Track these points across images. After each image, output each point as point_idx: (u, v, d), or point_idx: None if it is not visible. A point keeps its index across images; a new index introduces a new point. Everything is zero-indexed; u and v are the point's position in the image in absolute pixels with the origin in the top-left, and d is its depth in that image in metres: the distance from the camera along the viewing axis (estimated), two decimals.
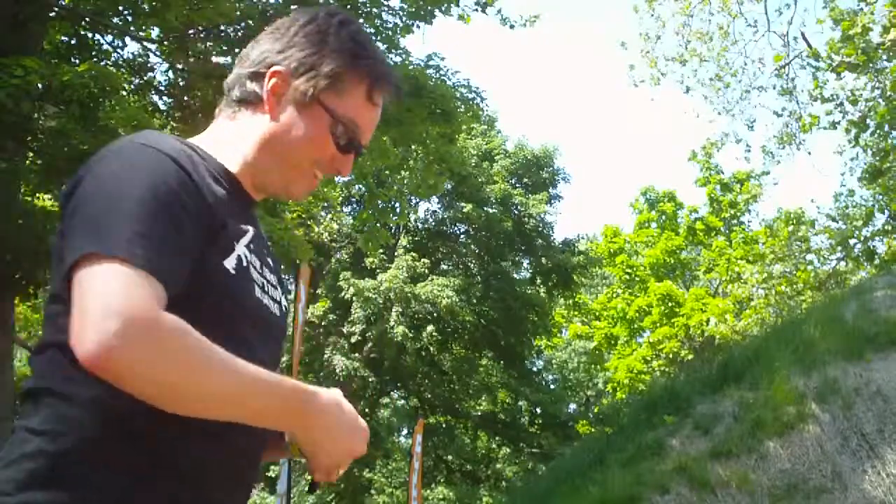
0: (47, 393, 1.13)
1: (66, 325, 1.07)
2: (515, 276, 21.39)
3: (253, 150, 1.31)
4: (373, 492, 21.41)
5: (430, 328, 18.61)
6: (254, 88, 1.32)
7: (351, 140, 1.34)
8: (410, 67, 9.53)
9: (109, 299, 1.00)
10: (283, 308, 1.37)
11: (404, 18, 9.61)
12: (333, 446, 1.22)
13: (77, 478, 1.09)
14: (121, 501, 1.11)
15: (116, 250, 1.03)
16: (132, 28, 8.95)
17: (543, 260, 20.87)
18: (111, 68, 8.41)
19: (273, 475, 16.46)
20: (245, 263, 1.24)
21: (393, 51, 9.74)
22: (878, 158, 14.33)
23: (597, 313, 24.00)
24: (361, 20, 9.54)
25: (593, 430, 18.03)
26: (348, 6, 9.29)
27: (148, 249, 1.05)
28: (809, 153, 35.66)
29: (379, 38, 9.66)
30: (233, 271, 1.21)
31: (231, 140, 1.32)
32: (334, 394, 1.22)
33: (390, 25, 9.65)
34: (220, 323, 1.14)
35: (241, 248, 1.24)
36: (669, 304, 20.11)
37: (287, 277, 20.20)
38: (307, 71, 1.30)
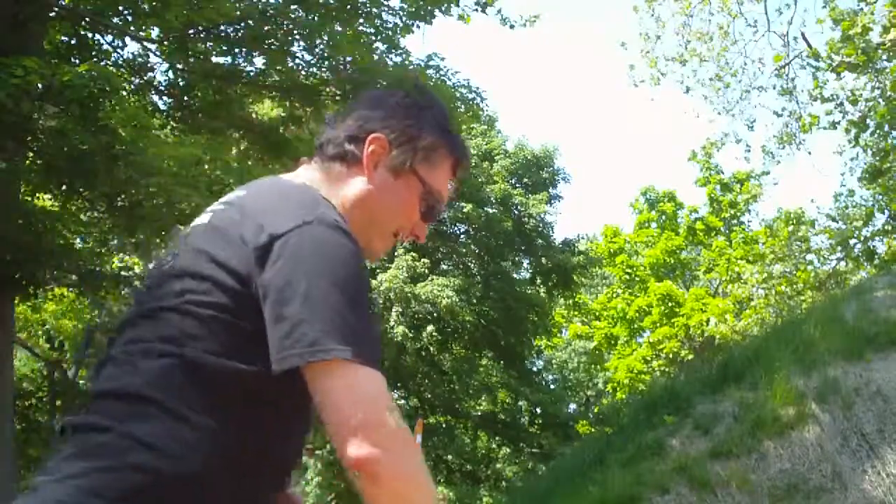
0: (157, 405, 1.13)
1: (202, 347, 1.15)
2: (515, 276, 21.39)
3: (349, 206, 1.38)
4: None
5: (430, 328, 18.60)
6: (352, 150, 1.40)
7: (434, 209, 1.45)
8: (411, 67, 9.52)
9: (385, 416, 1.11)
10: None
11: (404, 18, 9.61)
12: None
13: (180, 500, 1.11)
14: None
15: (365, 355, 1.15)
16: (132, 28, 8.95)
17: (543, 260, 20.87)
18: (111, 68, 8.42)
19: None
20: None
21: (393, 51, 9.73)
22: (878, 158, 14.32)
23: (597, 313, 24.00)
24: (361, 20, 9.55)
25: (593, 430, 18.03)
26: (348, 6, 9.29)
27: (375, 351, 1.18)
28: (809, 153, 35.71)
29: (379, 38, 9.66)
30: None
31: (329, 195, 1.37)
32: None
33: (390, 25, 9.65)
34: (293, 417, 1.29)
35: None
36: (669, 304, 20.12)
37: None
38: (406, 142, 1.41)
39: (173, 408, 1.13)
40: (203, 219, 1.31)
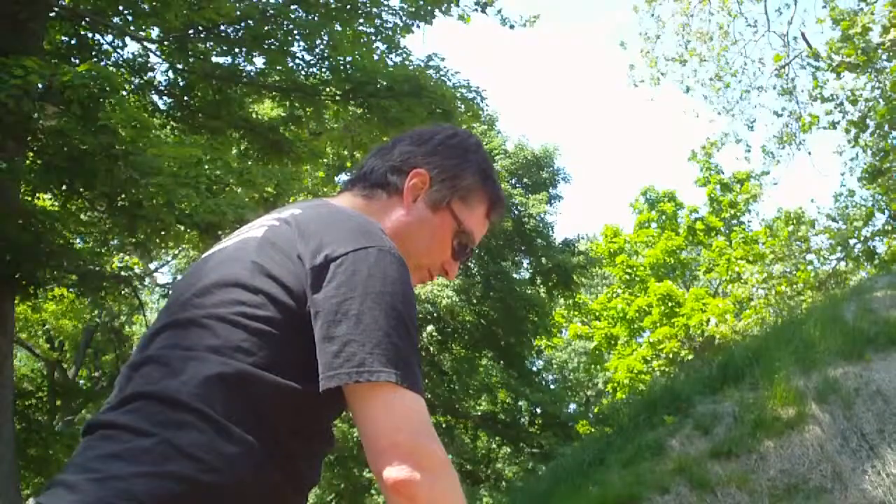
0: (200, 415, 1.13)
1: (251, 360, 1.16)
2: (515, 276, 21.38)
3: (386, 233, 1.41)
4: (373, 492, 21.40)
5: (430, 328, 18.61)
6: (394, 181, 1.45)
7: (465, 248, 1.51)
8: (411, 68, 9.52)
9: (426, 441, 1.14)
10: None
11: (404, 18, 9.61)
12: None
13: None
14: None
15: (411, 379, 1.17)
16: (132, 28, 8.96)
17: (543, 260, 20.86)
18: (111, 68, 8.43)
19: None
20: None
21: (393, 51, 9.74)
22: (877, 158, 14.32)
23: (597, 313, 23.98)
24: (361, 20, 9.55)
25: (593, 430, 18.02)
26: (348, 6, 9.30)
27: (420, 377, 1.21)
28: (809, 153, 35.85)
29: (379, 38, 9.67)
30: None
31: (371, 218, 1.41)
32: None
33: (390, 25, 9.65)
34: (328, 427, 1.31)
35: None
36: (669, 304, 20.10)
37: None
38: (447, 179, 1.46)
39: (216, 419, 1.12)
40: (256, 232, 1.32)
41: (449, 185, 1.46)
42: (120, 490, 1.07)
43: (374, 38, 9.67)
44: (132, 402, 1.17)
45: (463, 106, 9.95)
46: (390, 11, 9.63)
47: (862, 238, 15.34)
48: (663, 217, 23.96)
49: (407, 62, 9.72)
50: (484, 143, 21.51)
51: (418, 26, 9.71)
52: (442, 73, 9.90)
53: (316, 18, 9.20)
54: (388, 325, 1.16)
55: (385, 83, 8.95)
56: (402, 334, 1.18)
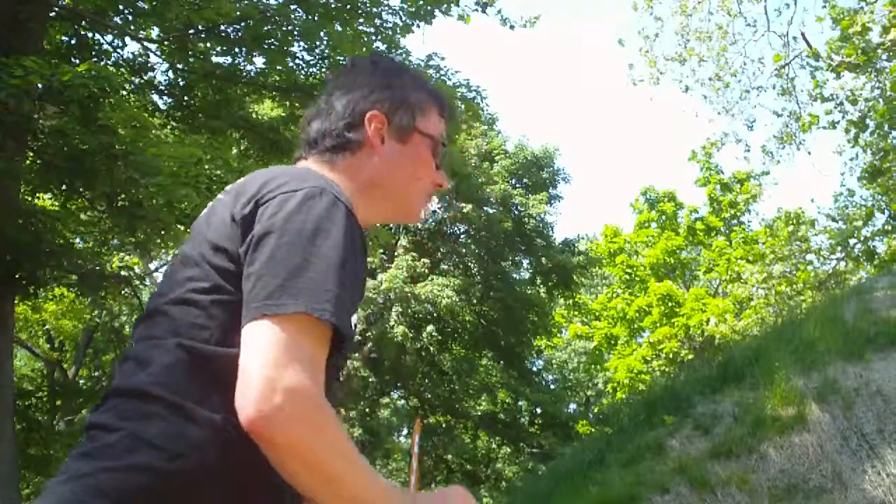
0: (163, 402, 1.12)
1: (205, 336, 1.14)
2: (515, 276, 21.38)
3: (363, 190, 1.39)
4: None
5: (430, 328, 18.60)
6: (353, 136, 1.42)
7: (444, 155, 1.50)
8: (411, 68, 9.52)
9: (282, 372, 1.05)
10: None
11: (404, 18, 9.60)
12: None
13: (190, 501, 1.10)
14: None
15: (317, 311, 1.09)
16: (132, 28, 8.95)
17: (543, 260, 20.86)
18: (111, 68, 8.41)
19: None
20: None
21: (393, 51, 9.73)
22: (877, 158, 14.31)
23: (597, 313, 23.97)
24: (361, 20, 9.54)
25: (593, 430, 18.02)
26: (348, 6, 9.29)
27: (343, 310, 1.12)
28: (809, 153, 35.81)
29: (379, 37, 9.66)
30: (354, 324, 1.27)
31: (342, 185, 1.36)
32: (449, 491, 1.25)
33: (390, 25, 9.64)
34: (330, 368, 1.19)
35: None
36: (669, 304, 20.09)
37: None
38: (399, 107, 1.45)
39: (180, 405, 1.12)
40: (206, 209, 1.34)
41: (404, 111, 1.44)
42: (87, 486, 1.08)
43: (374, 38, 9.66)
44: (109, 401, 1.18)
45: (463, 105, 9.95)
46: (390, 11, 9.62)
47: (862, 238, 15.33)
48: (663, 217, 23.95)
49: (407, 62, 9.72)
50: (484, 143, 21.45)
51: (418, 26, 9.69)
52: (442, 72, 9.89)
53: (316, 18, 9.19)
54: (302, 259, 1.12)
55: None
56: (321, 269, 1.12)
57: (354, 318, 1.26)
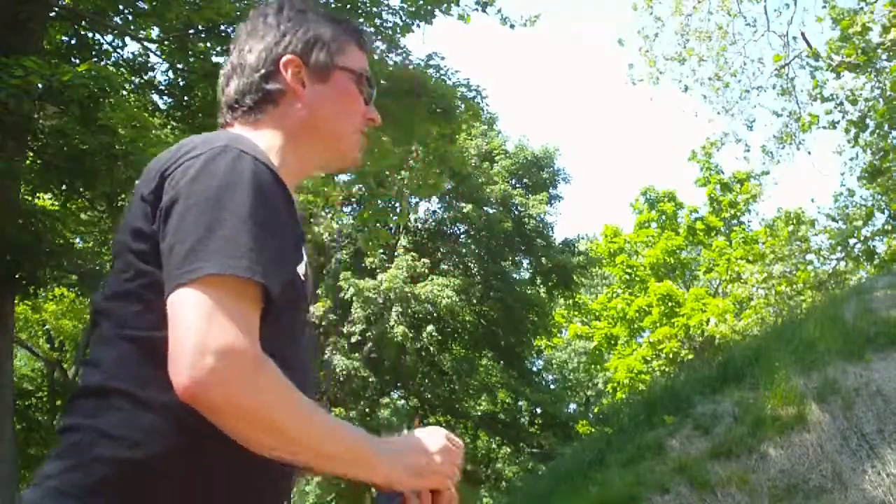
0: (118, 394, 1.11)
1: (144, 323, 1.11)
2: (515, 276, 21.39)
3: (294, 140, 1.34)
4: (373, 491, 21.39)
5: (430, 328, 18.60)
6: (272, 87, 1.35)
7: (371, 88, 1.43)
8: (411, 67, 9.52)
9: (210, 334, 1.01)
10: None
11: (404, 18, 9.60)
12: (418, 472, 1.22)
13: (154, 490, 1.08)
14: None
15: (232, 269, 1.04)
16: (132, 28, 8.95)
17: (543, 260, 20.86)
18: (111, 68, 8.41)
19: None
20: (307, 269, 1.27)
21: (393, 50, 9.73)
22: (877, 158, 14.32)
23: (597, 313, 23.97)
24: (361, 20, 9.54)
25: (593, 430, 18.02)
26: (348, 6, 9.28)
27: (262, 264, 1.06)
28: (809, 153, 35.75)
29: (379, 37, 9.65)
30: (303, 277, 1.23)
31: (270, 142, 1.32)
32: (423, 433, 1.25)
33: (390, 25, 9.64)
34: (294, 325, 1.15)
35: (305, 253, 1.27)
36: (669, 304, 20.09)
37: None
38: (314, 45, 1.37)
39: (134, 393, 1.10)
40: None
41: (318, 49, 1.37)
42: (49, 489, 1.08)
43: (374, 37, 9.66)
44: (72, 404, 1.18)
45: (463, 105, 9.94)
46: (390, 11, 9.62)
47: (862, 238, 15.34)
48: (663, 217, 23.95)
49: (407, 61, 9.72)
50: (484, 143, 21.44)
51: (418, 26, 9.70)
52: (442, 72, 9.89)
53: None
54: (210, 220, 1.06)
55: (384, 83, 8.95)
56: (232, 225, 1.06)
57: (302, 268, 1.22)
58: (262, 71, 1.35)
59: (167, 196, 1.12)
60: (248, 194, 1.09)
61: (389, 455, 1.20)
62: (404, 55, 9.81)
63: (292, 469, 1.25)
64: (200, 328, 1.01)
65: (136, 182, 1.24)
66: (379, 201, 13.57)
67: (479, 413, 22.22)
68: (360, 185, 17.63)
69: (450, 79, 9.89)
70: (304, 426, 1.07)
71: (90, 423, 1.11)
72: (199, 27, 8.63)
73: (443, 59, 10.01)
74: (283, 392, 1.05)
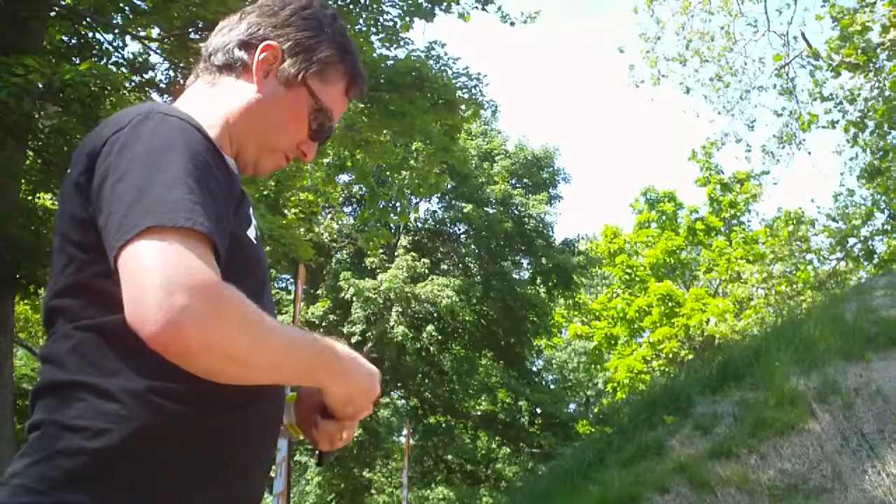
0: (77, 386, 1.09)
1: (96, 311, 1.08)
2: (515, 276, 21.40)
3: (235, 116, 1.30)
4: (373, 491, 21.39)
5: (430, 328, 18.61)
6: (242, 56, 1.32)
7: (324, 128, 1.37)
8: (413, 58, 9.51)
9: (171, 273, 0.96)
10: None
11: (406, 18, 9.61)
12: (356, 394, 1.25)
13: (124, 477, 1.05)
14: (174, 499, 1.09)
15: (171, 221, 0.99)
16: (133, 27, 8.95)
17: (543, 260, 20.87)
18: (112, 67, 8.42)
19: (272, 474, 16.43)
20: (258, 233, 1.25)
21: (394, 43, 9.73)
22: (877, 158, 14.33)
23: (597, 313, 23.97)
24: (361, 20, 9.55)
25: (593, 430, 18.02)
26: (349, 4, 9.29)
27: (202, 216, 1.02)
28: (809, 153, 35.77)
29: (379, 37, 9.67)
30: (255, 241, 1.21)
31: (213, 106, 1.30)
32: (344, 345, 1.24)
33: (390, 24, 9.65)
34: (248, 292, 1.11)
35: (254, 217, 1.25)
36: (669, 304, 20.09)
37: (287, 277, 20.14)
38: (301, 52, 1.32)
39: (93, 383, 1.08)
40: None
41: (304, 58, 1.32)
42: (15, 487, 1.06)
43: (374, 37, 9.67)
44: (35, 403, 1.17)
45: (466, 95, 9.95)
46: (391, 4, 9.63)
47: (862, 237, 15.35)
48: (663, 217, 23.96)
49: (407, 51, 9.73)
50: (484, 143, 21.49)
51: (421, 20, 9.71)
52: (443, 61, 9.90)
53: None
54: (142, 182, 1.03)
55: (386, 77, 8.95)
56: (165, 181, 1.03)
57: (252, 231, 1.20)
58: (244, 38, 1.33)
59: (98, 174, 1.09)
60: (177, 153, 1.06)
61: (344, 374, 1.22)
62: (406, 45, 9.79)
63: (272, 437, 1.25)
64: (160, 269, 0.96)
65: (67, 171, 1.21)
66: (380, 201, 13.58)
67: (479, 413, 22.23)
68: (361, 185, 17.65)
69: (450, 68, 9.89)
70: (282, 350, 1.07)
71: (52, 417, 1.09)
72: (200, 25, 8.63)
73: (444, 46, 10.04)
74: (255, 319, 1.03)
